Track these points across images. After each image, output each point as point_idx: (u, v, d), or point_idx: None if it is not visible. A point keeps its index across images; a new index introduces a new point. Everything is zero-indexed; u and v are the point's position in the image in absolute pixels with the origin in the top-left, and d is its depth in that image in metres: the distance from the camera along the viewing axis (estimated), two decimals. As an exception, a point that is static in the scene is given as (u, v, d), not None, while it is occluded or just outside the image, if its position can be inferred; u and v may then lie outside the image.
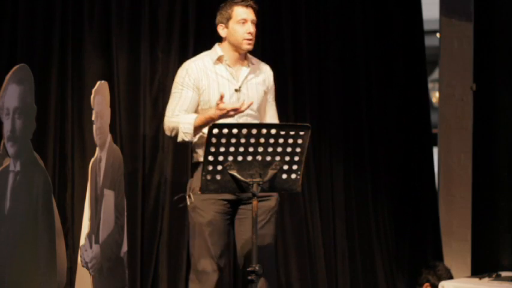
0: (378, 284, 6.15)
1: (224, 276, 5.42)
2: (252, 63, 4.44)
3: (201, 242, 4.27)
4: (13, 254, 3.48)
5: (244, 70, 4.39)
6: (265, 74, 4.49)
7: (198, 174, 4.20)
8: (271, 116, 4.52)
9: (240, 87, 4.33)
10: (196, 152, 4.33)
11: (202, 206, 4.26)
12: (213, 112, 4.12)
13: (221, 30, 4.37)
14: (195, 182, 4.23)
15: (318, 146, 5.91)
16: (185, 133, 4.21)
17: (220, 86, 4.30)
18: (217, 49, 4.39)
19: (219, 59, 4.36)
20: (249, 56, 4.46)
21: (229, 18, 4.33)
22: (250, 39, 4.31)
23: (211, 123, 4.00)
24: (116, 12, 5.10)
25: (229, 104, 4.13)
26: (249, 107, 4.12)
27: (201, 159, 4.05)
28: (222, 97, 4.08)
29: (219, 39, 4.49)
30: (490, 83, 6.47)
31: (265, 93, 4.46)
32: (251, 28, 4.30)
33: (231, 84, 4.33)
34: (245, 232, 4.29)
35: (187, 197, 4.30)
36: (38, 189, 3.63)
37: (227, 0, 4.40)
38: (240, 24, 4.31)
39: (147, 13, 5.22)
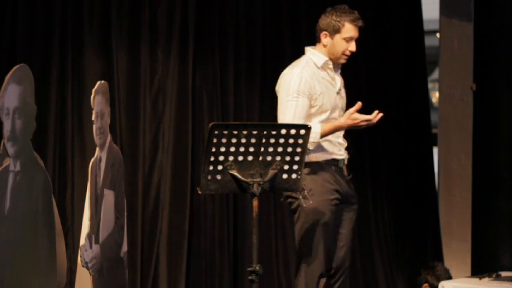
0: (378, 284, 6.15)
1: (224, 276, 5.43)
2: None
3: (317, 243, 4.31)
4: (13, 254, 3.47)
5: (338, 74, 4.45)
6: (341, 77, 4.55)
7: (310, 175, 4.27)
8: None
9: (339, 89, 4.41)
10: (308, 153, 4.26)
11: (322, 207, 4.29)
12: (343, 121, 4.20)
13: (323, 38, 4.35)
14: (310, 183, 4.26)
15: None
16: (311, 142, 4.15)
17: (328, 90, 4.35)
18: (318, 55, 4.37)
19: (325, 65, 4.37)
20: None
21: (337, 31, 4.31)
22: (347, 56, 4.35)
23: (337, 131, 4.19)
24: (115, 12, 5.10)
25: (362, 115, 4.17)
26: (379, 119, 4.17)
27: (314, 159, 4.23)
28: (359, 107, 4.15)
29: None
30: (490, 83, 6.47)
31: None
32: (354, 47, 4.32)
33: (333, 87, 4.38)
34: (341, 237, 4.43)
35: (301, 198, 4.26)
36: (38, 189, 3.63)
37: (337, 8, 4.35)
38: (345, 40, 4.31)
39: (147, 13, 5.23)
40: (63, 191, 4.93)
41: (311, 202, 4.25)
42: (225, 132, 3.72)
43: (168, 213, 5.26)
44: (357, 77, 6.18)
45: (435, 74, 9.24)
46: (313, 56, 4.37)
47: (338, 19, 4.30)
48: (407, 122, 6.49)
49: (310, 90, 4.27)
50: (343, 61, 4.39)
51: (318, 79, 4.32)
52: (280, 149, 3.80)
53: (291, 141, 3.80)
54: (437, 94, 7.44)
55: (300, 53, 5.82)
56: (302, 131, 3.81)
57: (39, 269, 3.61)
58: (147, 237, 5.21)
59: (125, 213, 4.43)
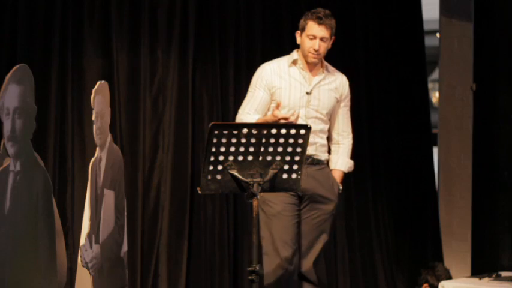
0: (378, 284, 6.15)
1: (224, 276, 5.42)
2: (328, 71, 4.62)
3: (270, 234, 4.45)
4: (13, 254, 3.47)
5: (318, 75, 4.56)
6: (339, 83, 4.65)
7: None
8: (343, 121, 4.68)
9: (311, 90, 4.51)
10: None
11: (272, 197, 4.44)
12: (269, 117, 4.36)
13: (297, 37, 4.56)
14: None
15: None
16: None
17: (291, 87, 4.50)
18: (294, 53, 4.59)
19: (294, 62, 4.55)
20: (326, 63, 4.63)
21: (303, 29, 4.51)
22: (314, 55, 4.47)
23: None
24: (115, 12, 5.10)
25: (282, 113, 4.31)
26: (296, 119, 4.27)
27: None
28: (278, 105, 4.33)
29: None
30: (490, 83, 6.47)
31: (338, 100, 4.63)
32: (316, 45, 4.45)
33: (303, 86, 4.52)
34: (303, 231, 4.53)
35: None
36: (38, 189, 3.63)
37: (311, 10, 4.51)
38: (308, 38, 4.47)
39: (147, 13, 5.22)
40: (63, 191, 4.92)
41: (261, 194, 4.34)
42: (225, 132, 3.72)
43: (168, 213, 5.26)
44: (357, 77, 6.18)
45: (435, 74, 9.24)
46: (290, 55, 4.59)
47: (304, 18, 4.52)
48: (407, 122, 6.49)
49: (267, 84, 4.51)
50: (312, 60, 4.50)
51: (280, 74, 4.52)
52: (280, 149, 3.80)
53: (291, 141, 3.81)
54: (437, 94, 7.45)
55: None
56: (302, 131, 3.82)
57: (39, 269, 3.61)
58: (147, 237, 5.20)
59: (125, 213, 4.43)
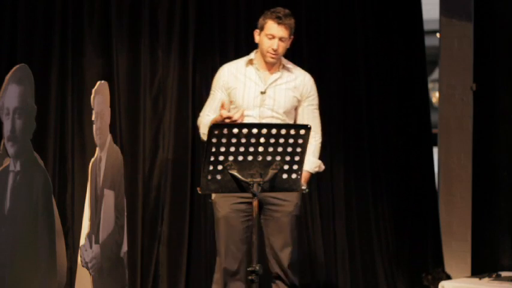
0: (378, 284, 6.15)
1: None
2: (287, 70, 4.55)
3: (219, 237, 4.47)
4: (13, 254, 3.47)
5: (274, 74, 4.52)
6: (299, 82, 4.57)
7: None
8: (308, 121, 4.56)
9: (265, 89, 4.47)
10: None
11: (220, 202, 4.44)
12: (217, 117, 4.31)
13: (256, 35, 4.51)
14: None
15: (318, 146, 5.91)
16: (203, 133, 4.44)
17: (246, 87, 4.47)
18: (252, 53, 4.55)
19: (250, 62, 4.52)
20: (285, 61, 4.57)
21: (261, 29, 4.46)
22: (272, 54, 4.43)
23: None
24: (115, 12, 5.10)
25: (226, 112, 4.24)
26: (242, 118, 4.21)
27: None
28: (222, 105, 4.28)
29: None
30: (490, 83, 6.47)
31: (298, 100, 4.55)
32: (275, 45, 4.41)
33: (258, 86, 4.48)
34: (268, 234, 4.52)
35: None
36: (38, 189, 3.63)
37: (271, 9, 4.48)
38: (267, 37, 4.43)
39: (147, 13, 5.23)
40: (63, 191, 4.93)
41: (213, 197, 4.47)
42: (225, 132, 3.72)
43: (168, 213, 5.26)
44: (357, 77, 6.18)
45: (435, 74, 9.24)
46: (249, 55, 4.56)
47: (264, 17, 4.47)
48: (407, 122, 6.49)
49: (224, 85, 4.51)
50: (269, 59, 4.46)
51: (236, 75, 4.50)
52: (280, 149, 3.80)
53: (291, 141, 3.81)
54: (437, 94, 7.45)
55: (298, 53, 5.84)
56: (302, 131, 3.82)
57: (39, 269, 3.61)
58: (147, 237, 5.21)
59: (125, 213, 4.43)
